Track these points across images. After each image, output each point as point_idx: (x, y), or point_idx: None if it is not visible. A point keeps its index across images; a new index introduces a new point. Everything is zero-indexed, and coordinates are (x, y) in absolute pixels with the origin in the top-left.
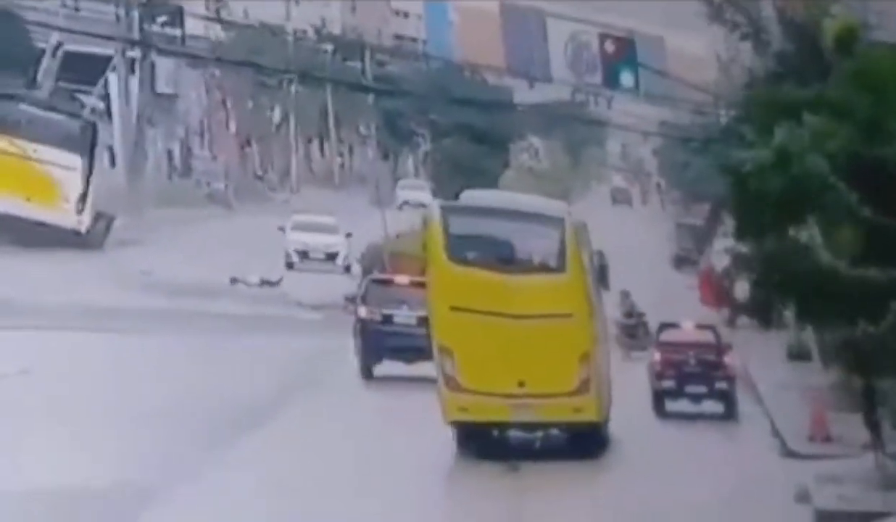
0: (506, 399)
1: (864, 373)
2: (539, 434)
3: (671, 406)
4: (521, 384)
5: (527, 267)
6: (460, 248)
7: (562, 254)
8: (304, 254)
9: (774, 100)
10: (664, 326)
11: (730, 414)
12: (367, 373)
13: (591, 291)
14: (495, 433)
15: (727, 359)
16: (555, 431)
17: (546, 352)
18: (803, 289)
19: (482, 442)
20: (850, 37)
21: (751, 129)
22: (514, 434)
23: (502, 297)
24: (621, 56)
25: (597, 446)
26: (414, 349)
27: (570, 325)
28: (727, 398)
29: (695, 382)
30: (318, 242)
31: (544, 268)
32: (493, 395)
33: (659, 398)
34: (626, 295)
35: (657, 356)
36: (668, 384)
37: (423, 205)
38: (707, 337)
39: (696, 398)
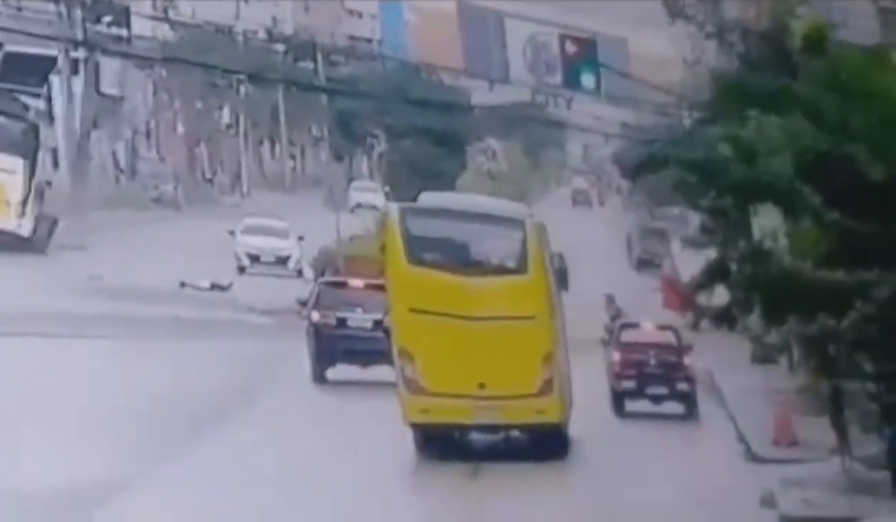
0: (468, 400)
1: (831, 375)
2: (500, 435)
3: (631, 406)
4: (482, 386)
5: (487, 268)
6: (420, 250)
7: (523, 255)
8: (254, 258)
9: (743, 89)
10: (624, 326)
11: (690, 414)
12: (319, 378)
13: (553, 293)
14: (456, 435)
15: (687, 360)
16: (515, 432)
17: (508, 354)
18: (769, 290)
19: (442, 445)
20: (819, 36)
21: (719, 122)
22: (475, 436)
23: (463, 299)
24: (582, 57)
25: (559, 447)
26: (369, 352)
27: (533, 327)
28: (687, 399)
29: (655, 383)
30: (269, 246)
31: (505, 270)
32: (455, 397)
33: (619, 398)
34: (610, 299)
35: (616, 356)
36: (628, 384)
37: (375, 208)
38: (668, 337)
39: (657, 398)
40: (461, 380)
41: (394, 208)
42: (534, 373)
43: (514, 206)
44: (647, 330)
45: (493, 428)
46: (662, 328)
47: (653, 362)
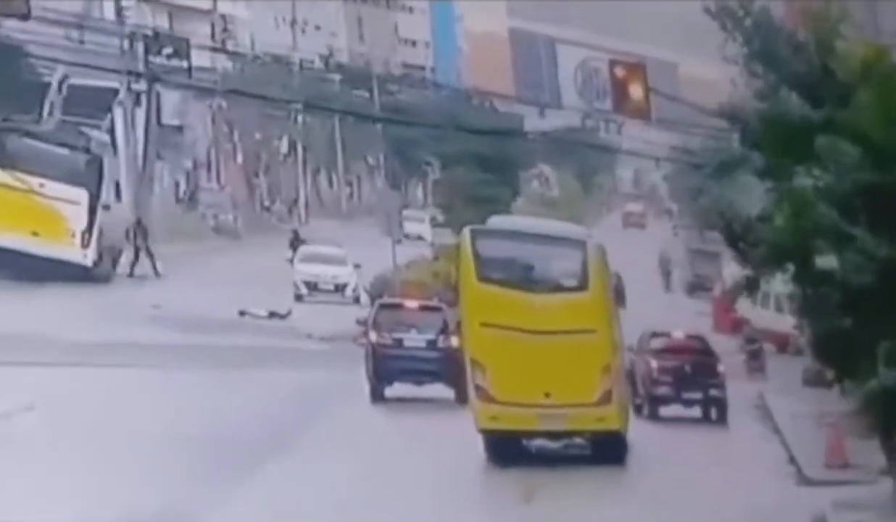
0: (533, 409)
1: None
2: (563, 442)
3: (665, 411)
4: (547, 395)
5: (551, 286)
6: (489, 269)
7: (584, 274)
8: (312, 286)
9: (785, 121)
10: (655, 335)
11: (721, 419)
12: (378, 396)
13: (612, 309)
14: (523, 441)
15: (720, 367)
16: (578, 439)
17: (570, 365)
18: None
19: (510, 450)
20: (879, 61)
21: (760, 154)
22: (540, 442)
23: (529, 314)
24: (632, 82)
25: (618, 453)
26: (423, 372)
27: (593, 340)
28: (720, 404)
29: (690, 388)
30: (327, 273)
31: (568, 287)
32: (522, 406)
33: (654, 403)
34: (744, 321)
35: (654, 363)
36: (664, 390)
37: (421, 238)
38: (699, 345)
39: (691, 403)
40: (527, 390)
41: (466, 231)
42: (594, 384)
43: (574, 228)
44: (678, 338)
45: (556, 435)
46: (691, 337)
47: (688, 368)
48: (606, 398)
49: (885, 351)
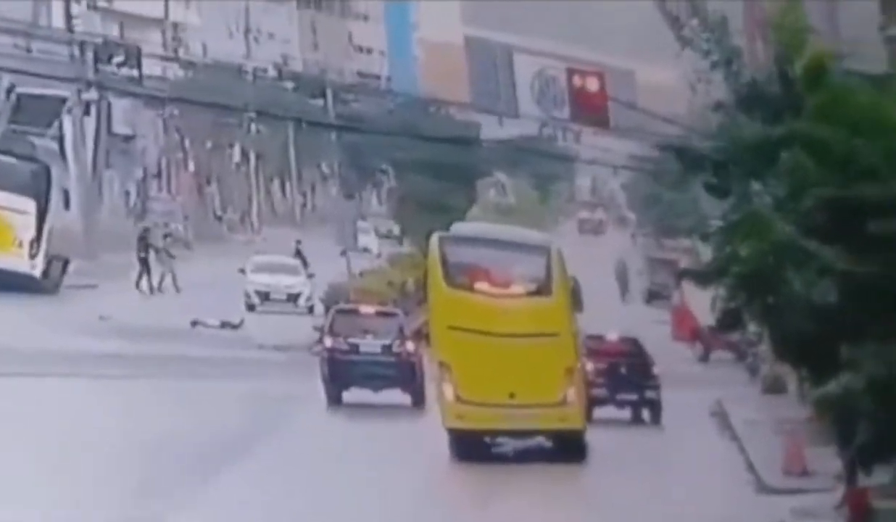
0: (498, 408)
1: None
2: (525, 440)
3: (598, 413)
4: (511, 395)
5: (516, 291)
6: (456, 275)
7: (548, 279)
8: (264, 296)
9: (745, 139)
10: (589, 337)
11: (656, 421)
12: (335, 400)
13: (572, 313)
14: (487, 440)
15: (655, 370)
16: (540, 438)
17: (534, 367)
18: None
19: (474, 449)
20: (820, 68)
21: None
22: (503, 440)
23: (495, 318)
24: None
25: (579, 451)
26: (380, 377)
27: (556, 343)
28: (654, 406)
29: (625, 390)
30: (280, 283)
31: (532, 292)
32: (487, 405)
33: (588, 405)
34: (702, 329)
35: (589, 365)
36: (599, 391)
37: (367, 250)
38: (633, 347)
39: (624, 404)
40: (493, 390)
41: (434, 238)
42: (557, 385)
43: (537, 235)
44: (612, 341)
45: (520, 434)
46: (625, 339)
47: (623, 370)
48: (569, 398)
49: (846, 356)
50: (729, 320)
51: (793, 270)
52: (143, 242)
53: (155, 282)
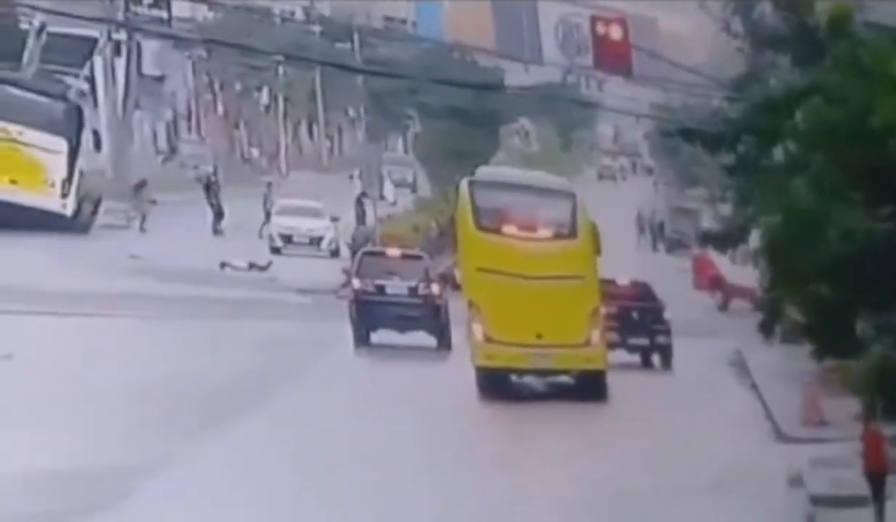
0: (526, 348)
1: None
2: (548, 379)
3: (609, 357)
4: (538, 336)
5: (543, 234)
6: (485, 218)
7: (573, 223)
8: (287, 239)
9: (768, 93)
10: (601, 282)
11: (666, 365)
12: (362, 341)
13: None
14: (514, 378)
15: (667, 315)
16: (564, 377)
17: (561, 309)
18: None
19: (500, 386)
20: (844, 18)
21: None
22: (529, 379)
23: (522, 260)
24: (613, 37)
25: (601, 390)
26: (406, 318)
27: (581, 285)
28: (665, 351)
29: (637, 334)
30: (303, 226)
31: (558, 235)
32: (516, 345)
33: None
34: (722, 279)
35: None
36: (610, 335)
37: (407, 183)
38: (645, 292)
39: (635, 349)
40: (521, 331)
41: (464, 183)
42: (582, 326)
43: (562, 180)
44: (623, 285)
45: (545, 373)
46: (636, 283)
47: (635, 314)
48: (593, 339)
49: (872, 326)
50: (723, 238)
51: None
52: (211, 189)
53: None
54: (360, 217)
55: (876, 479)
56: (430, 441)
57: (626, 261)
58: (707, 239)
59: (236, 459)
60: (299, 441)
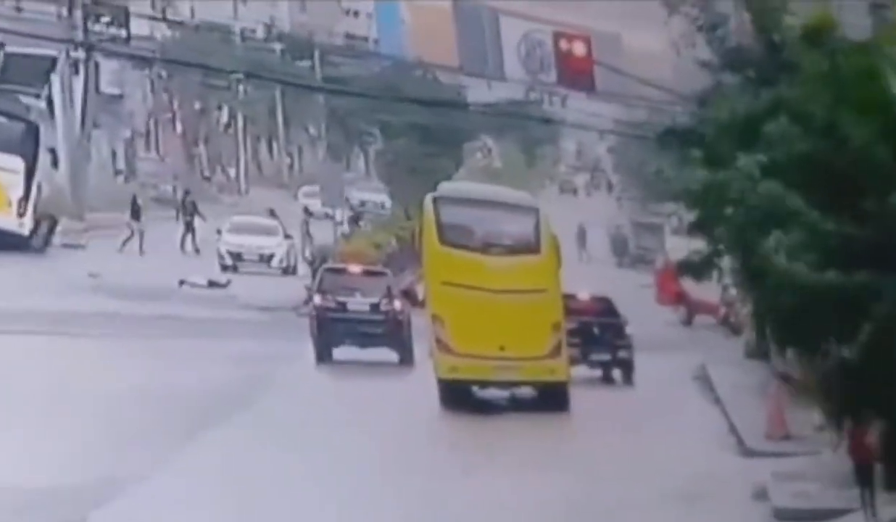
0: (489, 360)
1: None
2: (510, 390)
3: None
4: (501, 348)
5: (507, 248)
6: (450, 233)
7: (537, 237)
8: (237, 256)
9: (733, 110)
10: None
11: (628, 381)
12: (324, 357)
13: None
14: (476, 389)
15: (628, 329)
16: (527, 389)
17: (524, 321)
18: (775, 306)
19: (463, 399)
20: (825, 28)
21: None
22: (492, 391)
23: (486, 274)
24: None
25: (563, 401)
26: (367, 334)
27: (544, 299)
28: (626, 366)
29: (599, 350)
30: (252, 244)
31: (522, 250)
32: (479, 357)
33: None
34: (725, 288)
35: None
36: (572, 351)
37: (383, 207)
38: (606, 307)
39: (596, 364)
40: (484, 343)
41: (428, 199)
42: (545, 338)
43: (525, 195)
44: (583, 300)
45: (508, 384)
46: (597, 298)
47: (596, 329)
48: (556, 351)
49: (837, 328)
50: (698, 267)
51: (777, 233)
52: (188, 206)
53: (188, 244)
54: (305, 235)
55: (862, 471)
56: (393, 454)
57: (588, 275)
58: (685, 269)
59: (202, 474)
60: (262, 459)
